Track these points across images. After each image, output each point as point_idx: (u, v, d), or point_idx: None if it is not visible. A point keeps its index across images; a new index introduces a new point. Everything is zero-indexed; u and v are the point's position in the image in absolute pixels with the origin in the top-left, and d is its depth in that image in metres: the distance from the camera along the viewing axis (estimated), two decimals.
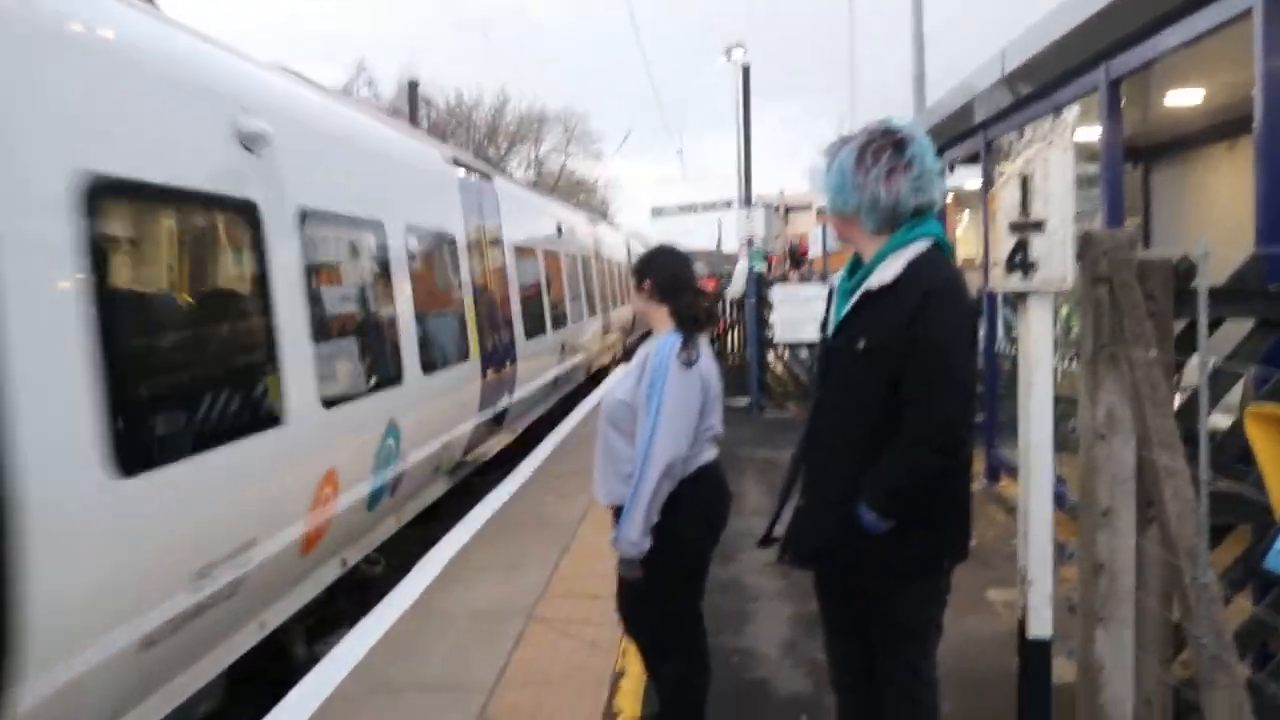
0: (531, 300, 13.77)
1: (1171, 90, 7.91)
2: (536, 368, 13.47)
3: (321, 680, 5.29)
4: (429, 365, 8.40)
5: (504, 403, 11.48)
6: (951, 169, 11.32)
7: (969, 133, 9.94)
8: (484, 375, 10.40)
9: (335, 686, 5.20)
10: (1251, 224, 4.85)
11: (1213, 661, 3.24)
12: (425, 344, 8.40)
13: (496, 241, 12.14)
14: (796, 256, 28.04)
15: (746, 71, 18.60)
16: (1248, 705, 3.16)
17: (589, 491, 9.29)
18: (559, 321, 15.76)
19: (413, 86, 36.74)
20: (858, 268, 3.43)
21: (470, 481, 10.52)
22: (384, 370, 7.45)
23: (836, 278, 3.61)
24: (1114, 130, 6.66)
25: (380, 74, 67.79)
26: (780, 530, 3.55)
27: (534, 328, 13.57)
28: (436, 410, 8.71)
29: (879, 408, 3.22)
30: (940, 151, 10.97)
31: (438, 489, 9.33)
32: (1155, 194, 10.71)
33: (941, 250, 3.33)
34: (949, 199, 13.41)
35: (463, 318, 9.95)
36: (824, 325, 3.55)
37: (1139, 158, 10.60)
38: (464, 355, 9.74)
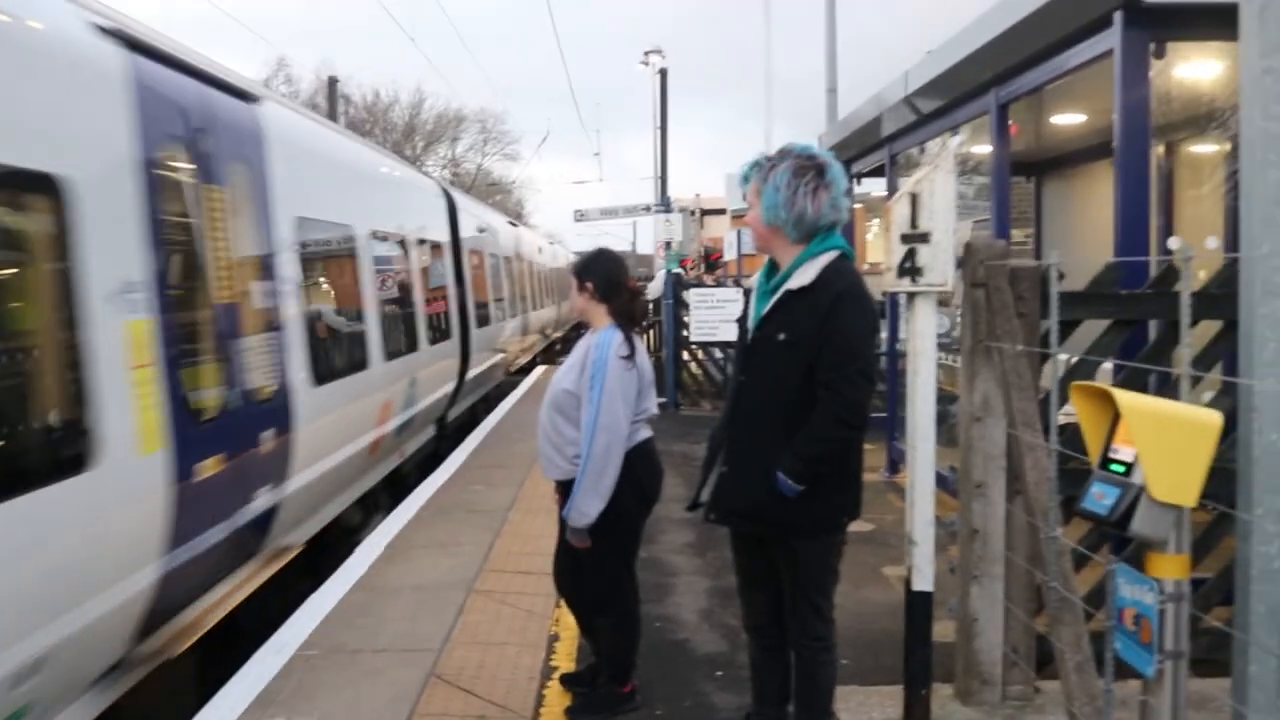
0: (486, 296, 17.18)
1: (1057, 113, 8.67)
2: (492, 347, 17.22)
3: (281, 644, 5.76)
4: (432, 340, 11.65)
5: (474, 372, 14.79)
6: (859, 180, 12.02)
7: (876, 146, 10.63)
8: (461, 353, 13.72)
9: (295, 649, 5.67)
10: None
11: (1060, 603, 3.89)
12: (430, 325, 11.71)
13: (471, 251, 15.66)
14: (710, 261, 28.70)
15: (664, 76, 19.16)
16: (1087, 637, 3.80)
17: (515, 482, 9.95)
18: (508, 314, 19.61)
19: (332, 83, 36.82)
20: (773, 272, 4.02)
21: (404, 474, 11.05)
22: (411, 341, 10.73)
23: (755, 280, 4.20)
24: (1002, 148, 7.37)
25: (298, 71, 67.11)
26: (706, 495, 4.12)
27: (490, 318, 17.13)
28: (434, 373, 11.78)
29: (794, 391, 3.82)
30: (849, 163, 11.69)
31: (428, 433, 12.42)
32: (1046, 205, 11.48)
33: (848, 259, 3.94)
34: (859, 208, 14.12)
35: (448, 309, 13.15)
36: (743, 321, 4.14)
37: (1031, 171, 11.38)
38: (448, 336, 12.94)
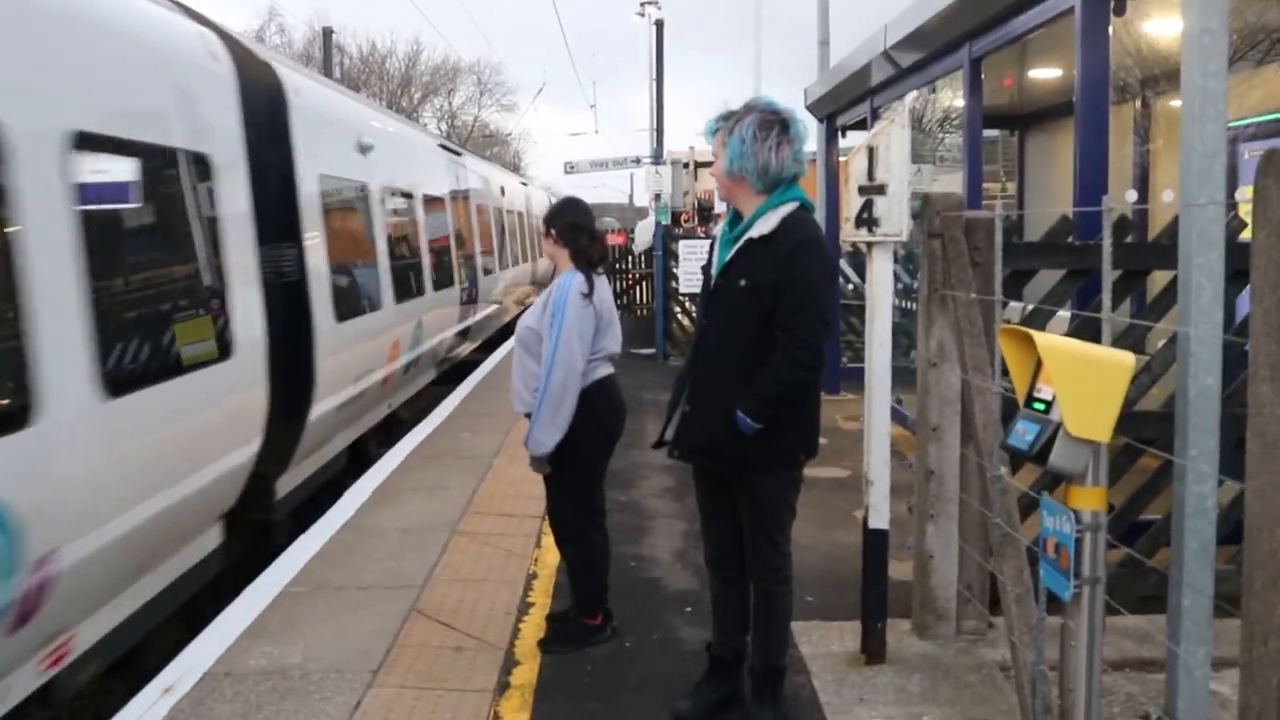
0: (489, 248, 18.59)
1: (1035, 68, 8.81)
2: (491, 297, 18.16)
3: (269, 582, 5.99)
4: (437, 286, 12.67)
5: (470, 320, 15.56)
6: (844, 133, 12.16)
7: (859, 99, 10.76)
8: (461, 300, 14.57)
9: (282, 586, 5.90)
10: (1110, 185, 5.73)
11: (1003, 538, 4.11)
12: (435, 272, 12.69)
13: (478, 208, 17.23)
14: (706, 212, 28.80)
15: (660, 27, 19.16)
16: (1028, 571, 4.01)
17: (502, 429, 10.17)
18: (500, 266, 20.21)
19: (327, 34, 36.56)
20: (736, 222, 4.20)
21: (394, 420, 11.28)
22: (419, 287, 11.77)
23: (718, 229, 4.38)
24: (975, 102, 7.52)
25: (290, 20, 66.74)
26: (670, 434, 4.33)
27: (491, 268, 18.49)
28: (438, 318, 12.70)
29: (755, 334, 4.01)
30: (833, 116, 11.82)
31: (430, 375, 13.33)
32: (1029, 157, 11.63)
33: (807, 210, 4.12)
34: (843, 161, 14.21)
35: (450, 259, 14.18)
36: (706, 268, 4.33)
37: (1014, 125, 11.52)
38: (451, 284, 13.95)
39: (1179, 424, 3.51)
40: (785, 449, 4.11)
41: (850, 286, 13.09)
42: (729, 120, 4.12)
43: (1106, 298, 3.33)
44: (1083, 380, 2.89)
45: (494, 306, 18.26)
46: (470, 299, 15.58)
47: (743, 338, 4.03)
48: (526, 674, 4.81)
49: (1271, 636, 2.64)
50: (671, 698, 4.48)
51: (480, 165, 20.55)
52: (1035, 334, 3.01)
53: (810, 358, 3.96)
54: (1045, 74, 9.02)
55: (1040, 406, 3.05)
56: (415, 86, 61.62)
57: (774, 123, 4.04)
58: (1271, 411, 2.64)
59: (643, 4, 21.90)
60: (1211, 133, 3.53)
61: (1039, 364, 3.09)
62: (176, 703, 4.54)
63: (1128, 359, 2.92)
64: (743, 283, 4.02)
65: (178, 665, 4.95)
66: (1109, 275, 3.29)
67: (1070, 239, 5.12)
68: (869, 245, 4.60)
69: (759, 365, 3.97)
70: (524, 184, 30.67)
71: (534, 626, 5.32)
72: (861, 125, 11.06)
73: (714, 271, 4.20)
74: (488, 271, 17.94)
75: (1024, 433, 3.07)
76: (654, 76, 18.87)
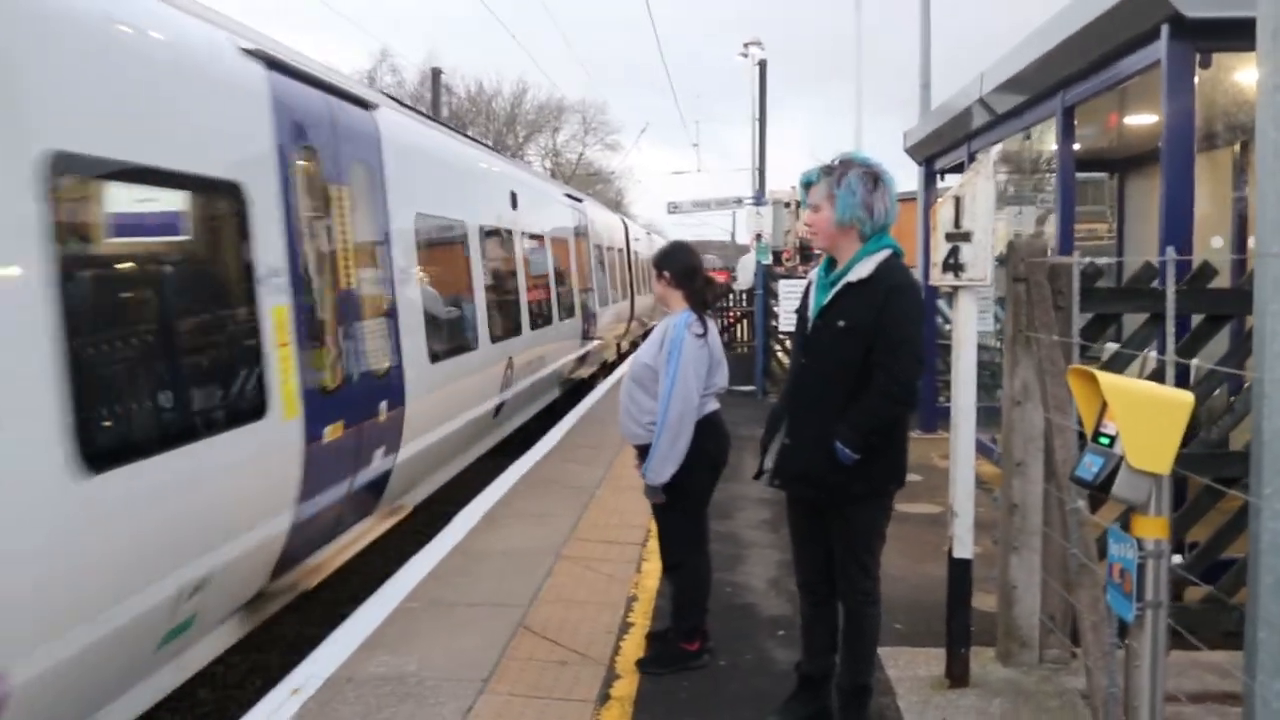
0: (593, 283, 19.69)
1: (1130, 114, 8.96)
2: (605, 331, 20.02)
3: (385, 598, 6.40)
4: (533, 325, 13.50)
5: (588, 348, 17.25)
6: (942, 176, 12.37)
7: (957, 143, 10.97)
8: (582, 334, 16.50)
9: (398, 602, 6.30)
10: (1209, 230, 5.89)
11: (1081, 568, 4.32)
12: (533, 312, 13.67)
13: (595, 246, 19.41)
14: (807, 251, 29.01)
15: (763, 68, 19.46)
16: (1103, 600, 4.20)
17: (605, 461, 10.54)
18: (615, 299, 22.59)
19: (436, 75, 37.67)
20: (832, 268, 4.50)
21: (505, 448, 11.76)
22: (517, 325, 12.61)
23: (814, 274, 4.69)
24: (1067, 148, 7.72)
25: (402, 61, 68.62)
26: (769, 464, 4.62)
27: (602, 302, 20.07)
28: (539, 354, 13.70)
29: (850, 373, 4.32)
30: (931, 159, 12.02)
31: (538, 405, 14.48)
32: (1128, 200, 11.71)
33: (898, 256, 4.42)
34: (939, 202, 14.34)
35: (550, 298, 14.99)
36: (802, 310, 4.63)
37: (1114, 168, 11.62)
38: (551, 320, 14.76)
39: (1254, 463, 3.69)
40: (878, 479, 4.39)
41: (948, 327, 13.21)
42: (831, 173, 4.43)
43: (1170, 341, 3.55)
44: (1143, 416, 3.13)
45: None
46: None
47: (841, 376, 4.33)
48: (626, 687, 5.12)
49: None
50: (762, 713, 4.76)
51: (608, 216, 22.53)
52: (1099, 374, 3.26)
53: (904, 393, 4.25)
54: (1140, 120, 9.16)
55: (1105, 441, 3.29)
56: (520, 124, 62.89)
57: (874, 176, 4.36)
58: None
59: (746, 45, 22.27)
60: None
61: (1105, 402, 3.33)
62: (305, 703, 4.94)
63: (1185, 397, 3.15)
64: (841, 324, 4.32)
65: (303, 670, 5.36)
66: (1172, 320, 3.52)
67: (1154, 284, 5.30)
68: (954, 289, 4.86)
69: (852, 402, 4.26)
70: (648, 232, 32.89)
71: (634, 645, 5.63)
72: (959, 169, 11.27)
73: (811, 314, 4.50)
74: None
75: (1090, 465, 3.31)
76: (757, 117, 19.19)
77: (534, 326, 13.49)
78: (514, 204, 13.09)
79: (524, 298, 13.03)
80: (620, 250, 25.20)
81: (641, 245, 31.05)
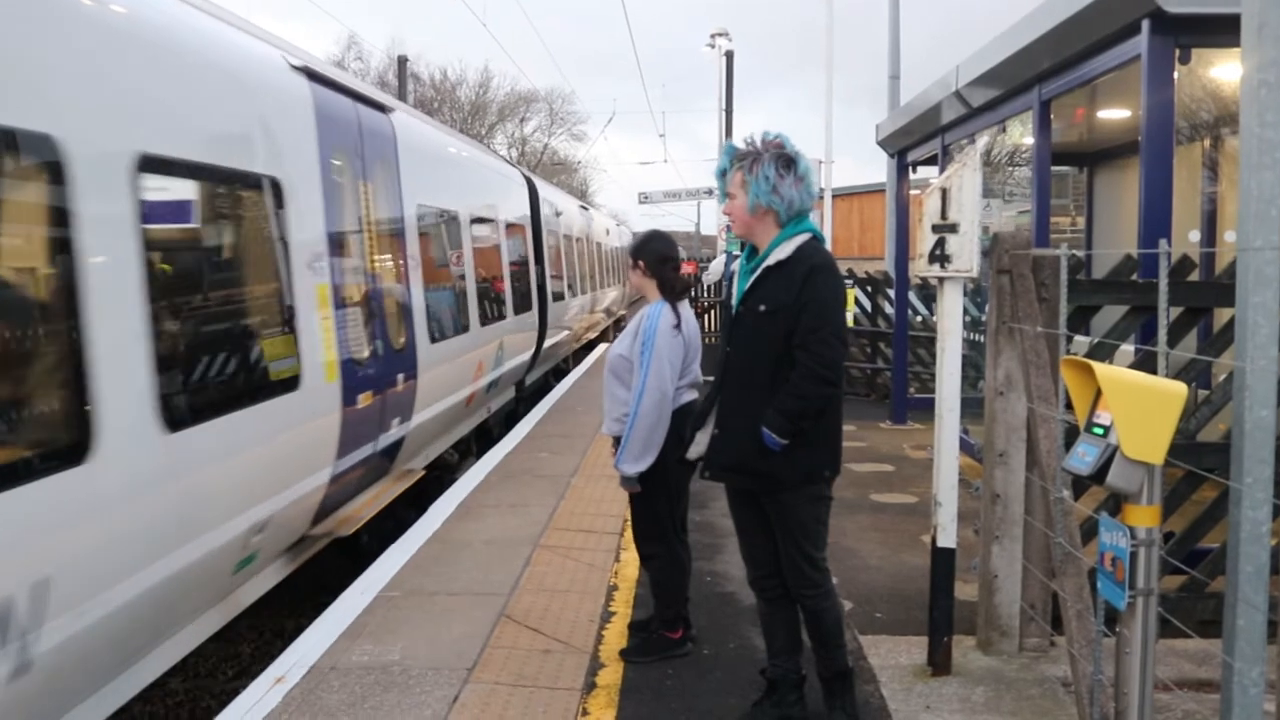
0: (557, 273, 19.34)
1: (1104, 109, 9.04)
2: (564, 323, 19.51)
3: (365, 586, 6.38)
4: (516, 310, 13.70)
5: (556, 339, 17.15)
6: (914, 168, 12.44)
7: (930, 136, 11.03)
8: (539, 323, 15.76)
9: (379, 591, 6.28)
10: (1179, 224, 5.96)
11: (1065, 557, 4.37)
12: (515, 296, 13.77)
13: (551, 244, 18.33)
14: None
15: (730, 59, 19.54)
16: (1088, 589, 4.26)
17: (579, 450, 10.54)
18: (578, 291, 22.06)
19: (402, 62, 37.53)
20: (753, 256, 4.49)
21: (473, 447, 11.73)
22: (500, 311, 12.85)
23: (737, 263, 4.69)
24: (1044, 142, 7.77)
25: (368, 47, 68.16)
26: (693, 454, 4.62)
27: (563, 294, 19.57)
28: (516, 340, 13.63)
29: (776, 356, 4.30)
30: (903, 152, 12.09)
31: (509, 394, 14.38)
32: (1097, 193, 11.84)
33: (818, 240, 4.43)
34: (915, 194, 14.48)
35: (529, 286, 15.28)
36: (726, 299, 4.63)
37: (1083, 162, 11.73)
38: (529, 308, 14.94)
39: (1235, 453, 3.74)
40: (811, 465, 4.36)
41: (919, 319, 13.31)
42: (745, 160, 4.41)
43: (1162, 334, 3.60)
44: (1138, 407, 3.17)
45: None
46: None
47: (763, 360, 4.31)
48: (611, 675, 5.13)
49: None
50: (748, 700, 4.77)
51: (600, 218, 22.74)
52: (1095, 364, 3.29)
53: (829, 372, 4.21)
54: (1114, 114, 9.26)
55: (1099, 431, 3.33)
56: (487, 113, 62.63)
57: (787, 159, 4.36)
58: None
59: (713, 35, 22.31)
60: (1268, 180, 3.77)
61: (1098, 392, 3.37)
62: (289, 691, 4.92)
63: (1179, 388, 3.19)
64: (762, 308, 4.31)
65: (286, 659, 5.34)
66: (1165, 313, 3.56)
67: (1134, 277, 5.36)
68: (940, 280, 4.89)
69: (779, 386, 4.25)
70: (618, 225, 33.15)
71: (617, 633, 5.64)
72: (932, 161, 11.34)
73: (734, 300, 4.50)
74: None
75: (1084, 454, 3.34)
76: (723, 108, 19.27)
77: (516, 311, 13.90)
78: (498, 193, 13.60)
79: (509, 284, 13.67)
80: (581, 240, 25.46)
81: (605, 234, 31.13)
